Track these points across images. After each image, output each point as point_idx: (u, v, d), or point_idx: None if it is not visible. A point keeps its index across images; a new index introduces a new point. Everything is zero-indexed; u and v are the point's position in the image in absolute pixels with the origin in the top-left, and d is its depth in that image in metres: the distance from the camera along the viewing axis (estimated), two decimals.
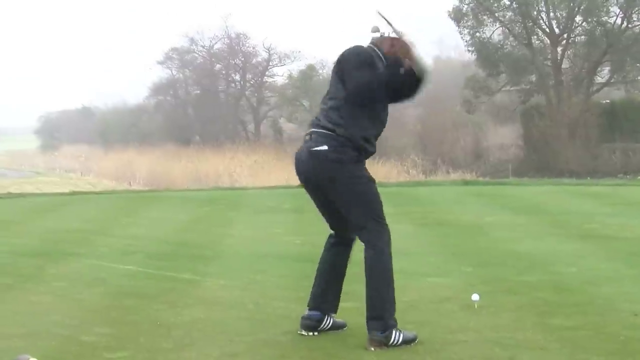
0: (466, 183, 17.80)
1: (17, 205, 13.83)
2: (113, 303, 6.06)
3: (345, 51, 4.81)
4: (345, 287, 6.30)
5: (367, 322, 4.77)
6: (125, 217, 11.56)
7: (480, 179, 29.23)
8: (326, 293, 5.13)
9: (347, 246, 5.13)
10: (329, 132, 4.73)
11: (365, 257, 4.84)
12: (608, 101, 39.66)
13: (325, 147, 4.73)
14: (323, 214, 5.10)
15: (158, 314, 5.66)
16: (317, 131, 4.79)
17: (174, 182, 35.70)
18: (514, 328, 5.07)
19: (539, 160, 36.76)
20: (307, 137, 4.85)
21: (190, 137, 59.72)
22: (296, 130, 54.94)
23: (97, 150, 66.10)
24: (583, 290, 6.11)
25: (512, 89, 41.92)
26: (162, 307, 5.87)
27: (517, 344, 4.72)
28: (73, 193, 17.69)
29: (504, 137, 43.05)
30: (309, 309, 5.12)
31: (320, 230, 9.12)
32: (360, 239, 4.90)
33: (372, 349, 4.68)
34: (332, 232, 5.13)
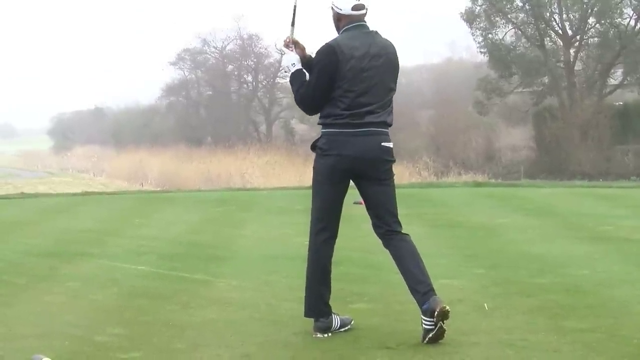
0: (478, 185, 17.78)
1: (30, 206, 13.89)
2: (126, 303, 6.09)
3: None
4: (358, 288, 6.34)
5: None
6: (137, 218, 11.60)
7: (492, 180, 29.23)
8: (325, 294, 5.11)
9: (334, 240, 5.18)
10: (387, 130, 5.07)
11: (410, 241, 5.03)
12: (621, 103, 39.52)
13: (391, 144, 5.05)
14: (334, 209, 5.08)
15: (171, 315, 5.68)
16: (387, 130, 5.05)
17: (185, 183, 35.82)
18: (527, 330, 5.05)
19: (551, 162, 36.67)
20: (376, 129, 4.97)
21: (202, 138, 59.83)
22: (308, 131, 54.96)
23: (109, 150, 66.39)
24: (596, 292, 6.09)
25: (524, 90, 41.84)
26: (175, 308, 5.89)
27: (530, 346, 4.71)
28: (85, 193, 17.76)
29: (516, 139, 42.96)
30: (317, 319, 5.09)
31: None
32: (399, 227, 5.06)
33: None
34: (322, 226, 5.08)
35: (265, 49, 61.38)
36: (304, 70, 5.11)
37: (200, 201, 14.28)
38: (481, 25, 41.05)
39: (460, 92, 45.72)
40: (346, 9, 4.96)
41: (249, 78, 63.44)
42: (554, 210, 11.33)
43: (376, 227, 5.09)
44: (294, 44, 5.15)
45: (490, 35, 40.90)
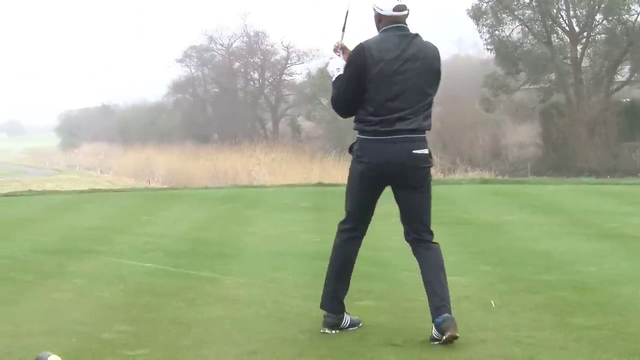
0: (485, 182, 17.72)
1: (38, 203, 13.92)
2: (133, 301, 6.09)
3: None
4: (365, 285, 6.33)
5: None
6: (144, 215, 11.61)
7: (499, 177, 29.15)
8: (340, 292, 5.12)
9: (361, 239, 5.17)
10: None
11: (436, 250, 5.00)
12: (628, 100, 39.41)
13: (426, 150, 4.92)
14: (363, 213, 5.06)
15: (177, 312, 5.69)
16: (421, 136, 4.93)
17: (192, 180, 35.90)
18: (534, 327, 5.05)
19: (558, 159, 36.60)
20: (407, 136, 4.85)
21: (209, 135, 59.94)
22: (314, 128, 55.01)
23: (116, 148, 66.54)
24: (603, 289, 6.07)
25: (531, 87, 41.76)
26: (181, 305, 5.90)
27: (537, 343, 4.71)
28: (92, 191, 17.78)
29: (522, 136, 42.91)
30: (329, 313, 5.11)
31: None
32: (428, 236, 5.01)
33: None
34: (348, 226, 5.07)
35: (272, 46, 61.55)
36: None
37: (206, 198, 14.28)
38: (488, 22, 41.00)
39: (467, 89, 45.66)
40: (387, 9, 4.86)
41: (256, 75, 63.56)
42: (561, 207, 11.30)
43: (406, 233, 5.02)
44: (342, 49, 5.08)
45: (497, 32, 40.84)
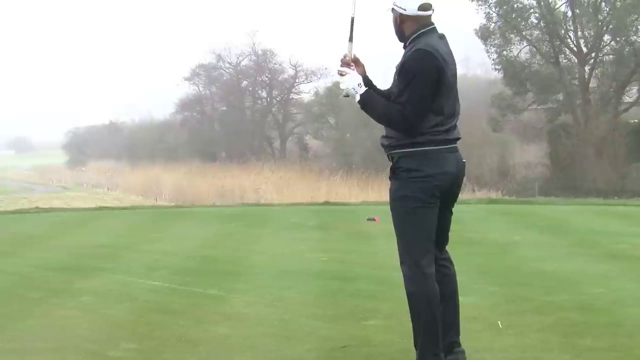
0: (492, 201, 17.71)
1: (45, 220, 13.95)
2: (140, 318, 6.09)
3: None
4: (371, 304, 6.32)
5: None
6: (151, 233, 11.62)
7: (506, 197, 29.09)
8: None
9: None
10: None
11: (452, 275, 4.75)
12: (636, 120, 39.32)
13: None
14: (432, 235, 4.53)
15: (184, 330, 5.69)
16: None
17: (200, 198, 35.89)
18: (541, 349, 5.03)
19: (566, 179, 36.50)
20: (456, 145, 4.53)
21: (217, 153, 59.98)
22: (322, 147, 55.03)
23: (123, 165, 66.59)
24: (611, 311, 6.05)
25: (539, 107, 41.71)
26: (188, 323, 5.89)
27: None
28: (100, 208, 17.82)
29: (530, 156, 42.81)
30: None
31: (345, 248, 9.15)
32: (445, 251, 4.75)
33: None
34: (431, 258, 4.52)
35: (280, 64, 61.77)
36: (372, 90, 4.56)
37: (214, 216, 14.29)
38: (496, 42, 41.03)
39: (474, 108, 45.60)
40: (411, 8, 4.39)
41: (263, 94, 63.71)
42: (569, 228, 11.27)
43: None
44: (354, 62, 4.58)
45: (504, 52, 40.87)
